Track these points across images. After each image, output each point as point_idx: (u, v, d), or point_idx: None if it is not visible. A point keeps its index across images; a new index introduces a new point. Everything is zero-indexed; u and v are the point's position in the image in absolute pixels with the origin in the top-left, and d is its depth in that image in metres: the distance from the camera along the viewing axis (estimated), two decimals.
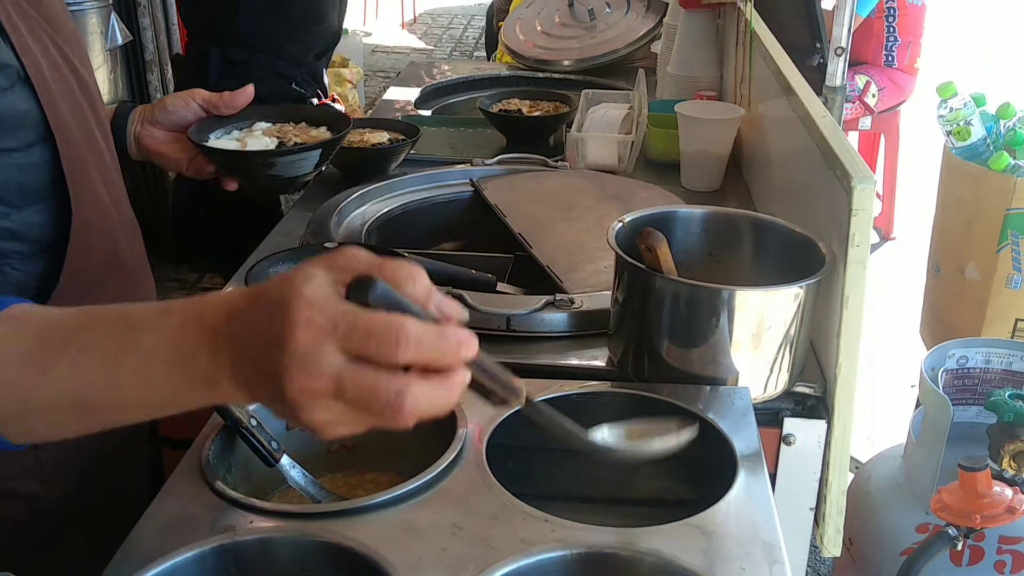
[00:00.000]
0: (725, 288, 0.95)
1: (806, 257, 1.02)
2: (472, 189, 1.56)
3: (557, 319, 1.14)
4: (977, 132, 1.84)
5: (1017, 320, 1.82)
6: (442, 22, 7.99)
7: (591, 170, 1.65)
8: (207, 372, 0.58)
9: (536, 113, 1.85)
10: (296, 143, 1.25)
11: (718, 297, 0.95)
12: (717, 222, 1.08)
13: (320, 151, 1.22)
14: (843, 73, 1.98)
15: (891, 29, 3.58)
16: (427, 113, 2.12)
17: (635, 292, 1.00)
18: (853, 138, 4.24)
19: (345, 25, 6.70)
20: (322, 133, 1.29)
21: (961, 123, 1.83)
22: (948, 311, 1.97)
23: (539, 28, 2.43)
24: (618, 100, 1.89)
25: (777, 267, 1.04)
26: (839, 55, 1.96)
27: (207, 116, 1.18)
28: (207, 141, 1.18)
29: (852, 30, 1.96)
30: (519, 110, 1.86)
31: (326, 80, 2.57)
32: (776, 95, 1.43)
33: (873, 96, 3.58)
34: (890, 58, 3.63)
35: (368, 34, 7.49)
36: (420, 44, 7.37)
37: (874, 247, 3.92)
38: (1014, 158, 1.85)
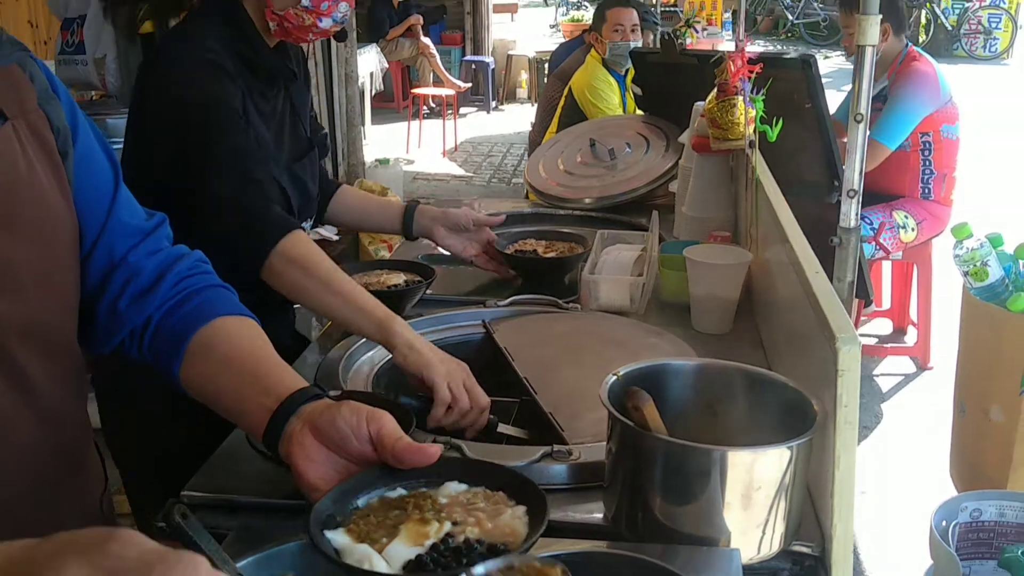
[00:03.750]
0: (710, 448, 0.94)
1: (800, 413, 1.01)
2: (484, 331, 1.59)
3: (556, 471, 1.14)
4: (995, 273, 1.84)
5: None
6: (482, 150, 8.24)
7: (603, 312, 1.67)
8: None
9: (551, 254, 1.89)
10: None
11: (704, 456, 0.95)
12: (710, 375, 1.09)
13: None
14: (856, 214, 2.00)
15: (927, 162, 3.62)
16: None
17: (625, 448, 1.01)
18: (887, 268, 4.26)
19: (387, 155, 6.96)
20: None
21: (978, 264, 1.83)
22: (974, 453, 1.92)
23: (561, 167, 2.50)
24: (634, 240, 1.93)
25: (772, 423, 1.04)
26: (851, 197, 1.99)
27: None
28: None
29: (864, 172, 2.00)
30: (534, 251, 1.90)
31: None
32: (777, 242, 1.45)
33: (912, 231, 3.60)
34: (927, 191, 3.66)
35: (411, 162, 7.75)
36: (460, 171, 7.59)
37: (910, 377, 3.87)
38: None
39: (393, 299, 1.65)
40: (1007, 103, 9.55)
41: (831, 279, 2.06)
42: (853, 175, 1.96)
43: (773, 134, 1.55)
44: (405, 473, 0.90)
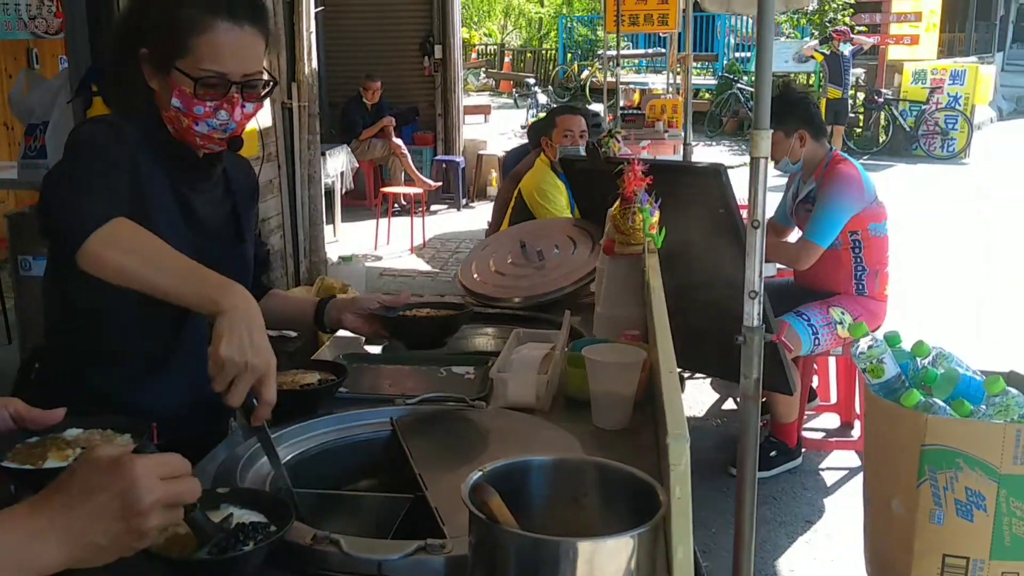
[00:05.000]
0: (556, 540, 1.00)
1: (650, 503, 1.08)
2: (392, 429, 1.65)
3: (429, 564, 1.19)
4: (890, 370, 1.93)
5: (945, 556, 1.83)
6: (450, 246, 8.39)
7: (509, 409, 1.74)
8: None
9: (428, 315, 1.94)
10: None
11: (550, 547, 1.00)
12: (567, 469, 1.16)
13: None
14: (758, 314, 2.10)
15: (858, 259, 3.76)
16: (377, 349, 2.24)
17: (479, 541, 1.06)
18: (833, 364, 4.36)
19: (357, 251, 7.06)
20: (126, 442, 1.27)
21: (874, 361, 1.92)
22: (881, 545, 1.98)
23: (493, 268, 2.60)
24: (553, 339, 2.01)
25: (626, 512, 1.10)
26: (752, 298, 2.09)
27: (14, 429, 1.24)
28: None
29: (763, 275, 2.11)
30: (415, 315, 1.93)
31: None
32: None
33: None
34: (861, 287, 3.78)
35: (378, 258, 7.88)
36: (427, 267, 7.70)
37: (855, 471, 3.91)
38: (930, 395, 1.92)
39: (306, 398, 1.72)
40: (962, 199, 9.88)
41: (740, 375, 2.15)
42: (753, 276, 2.07)
43: (659, 241, 1.65)
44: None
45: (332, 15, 10.02)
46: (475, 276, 2.59)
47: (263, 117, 5.03)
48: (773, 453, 3.83)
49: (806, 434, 4.01)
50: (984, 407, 1.90)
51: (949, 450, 1.83)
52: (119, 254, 1.37)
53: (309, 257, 5.43)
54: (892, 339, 1.99)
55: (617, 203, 1.92)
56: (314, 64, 5.34)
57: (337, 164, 8.13)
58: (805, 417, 4.03)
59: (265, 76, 1.62)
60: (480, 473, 1.13)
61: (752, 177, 2.03)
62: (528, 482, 1.15)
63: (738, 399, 4.16)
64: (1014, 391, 1.93)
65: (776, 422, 3.86)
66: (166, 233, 1.50)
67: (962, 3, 19.31)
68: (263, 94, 1.63)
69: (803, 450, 3.90)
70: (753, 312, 2.07)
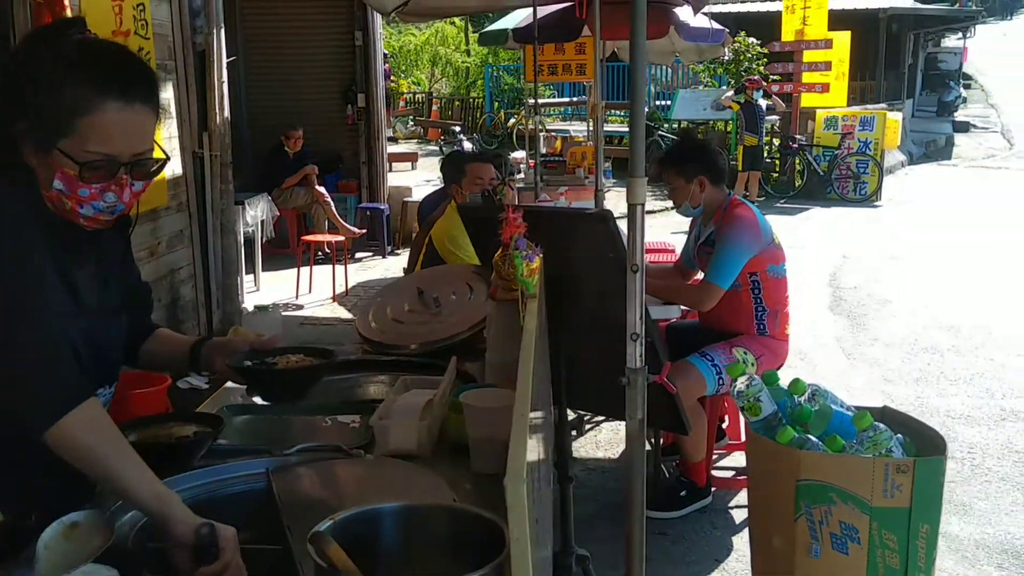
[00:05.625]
0: None
1: (501, 546, 1.09)
2: (267, 480, 1.64)
3: None
4: (767, 408, 1.99)
5: None
6: (373, 294, 8.35)
7: (390, 456, 1.74)
8: None
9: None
10: None
11: None
12: (418, 515, 1.17)
13: None
14: (640, 355, 2.15)
15: (758, 300, 3.85)
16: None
17: None
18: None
19: (273, 300, 6.99)
20: None
21: (751, 400, 1.97)
22: None
23: (390, 315, 2.61)
24: (438, 386, 2.01)
25: (476, 556, 1.12)
26: (634, 340, 2.14)
27: None
28: None
29: (644, 317, 2.16)
30: (274, 362, 1.85)
31: None
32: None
33: (752, 365, 3.78)
34: (762, 327, 3.87)
35: (299, 307, 7.81)
36: (348, 315, 7.65)
37: None
38: (805, 432, 1.98)
39: (180, 451, 1.69)
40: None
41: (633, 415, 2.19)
42: (634, 319, 2.12)
43: (531, 286, 1.69)
44: None
45: (255, 64, 10.04)
46: (372, 324, 2.60)
47: (173, 166, 4.99)
48: (683, 493, 3.88)
49: (716, 473, 4.07)
50: (856, 442, 1.96)
51: (823, 485, 1.89)
52: (93, 441, 1.36)
53: (223, 307, 5.36)
54: (770, 378, 2.05)
55: (500, 249, 1.96)
56: (226, 113, 5.32)
57: (257, 213, 8.07)
58: (714, 456, 4.09)
59: (155, 153, 1.53)
60: (330, 522, 1.13)
61: (630, 223, 2.09)
62: (381, 529, 1.16)
63: (653, 439, 4.23)
64: (882, 426, 2.00)
65: (685, 462, 3.91)
66: (59, 320, 1.45)
67: (872, 53, 20.15)
68: (153, 171, 1.54)
69: (713, 489, 3.96)
70: (635, 354, 2.12)
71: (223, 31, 5.32)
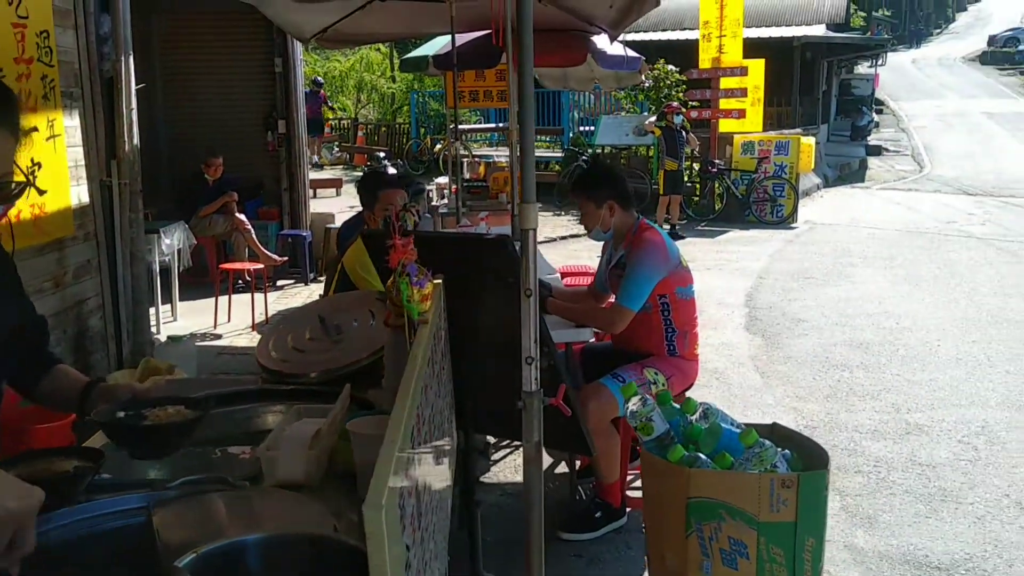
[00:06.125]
0: None
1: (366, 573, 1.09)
2: (148, 515, 1.61)
3: None
4: (659, 427, 2.02)
5: None
6: (274, 322, 8.26)
7: (279, 487, 1.72)
8: None
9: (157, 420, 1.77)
10: None
11: None
12: (283, 545, 1.16)
13: None
14: (536, 379, 2.17)
15: (668, 321, 3.91)
16: None
17: None
18: None
19: (191, 330, 6.85)
20: None
21: (643, 420, 2.01)
22: None
23: (291, 344, 2.58)
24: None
25: None
26: (529, 363, 2.16)
27: None
28: None
29: (540, 340, 2.18)
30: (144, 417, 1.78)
31: None
32: None
33: (663, 386, 3.83)
34: (672, 348, 3.94)
35: (217, 337, 7.67)
36: None
37: None
38: (698, 450, 2.02)
39: (59, 486, 1.65)
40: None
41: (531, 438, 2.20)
42: (529, 343, 2.15)
43: (416, 312, 1.70)
44: None
45: (174, 91, 9.89)
46: (272, 354, 2.57)
47: (80, 195, 4.88)
48: (598, 514, 3.90)
49: (631, 493, 4.11)
50: (744, 459, 2.01)
51: (712, 502, 1.93)
52: None
53: (133, 338, 5.24)
54: (663, 397, 2.09)
55: (392, 276, 1.97)
56: (136, 140, 5.22)
57: (173, 241, 7.92)
58: (629, 476, 4.13)
59: (16, 176, 1.50)
60: (192, 556, 1.12)
61: (523, 248, 2.12)
62: (245, 562, 1.15)
63: (578, 461, 4.25)
64: (768, 442, 2.05)
65: (600, 483, 3.94)
66: None
67: (787, 80, 20.78)
68: (14, 194, 1.52)
69: (628, 509, 3.99)
70: (530, 377, 2.14)
71: (132, 58, 5.23)
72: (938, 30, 63.69)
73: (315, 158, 19.29)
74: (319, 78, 21.19)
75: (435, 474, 1.76)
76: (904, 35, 57.23)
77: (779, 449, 2.11)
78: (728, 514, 1.93)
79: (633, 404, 2.02)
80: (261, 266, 8.46)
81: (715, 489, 1.94)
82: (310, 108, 19.18)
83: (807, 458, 2.21)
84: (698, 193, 14.38)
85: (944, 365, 6.37)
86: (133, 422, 1.74)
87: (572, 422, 2.59)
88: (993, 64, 46.65)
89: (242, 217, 9.21)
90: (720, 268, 9.99)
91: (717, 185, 14.20)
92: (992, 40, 50.14)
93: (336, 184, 15.80)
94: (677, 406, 2.13)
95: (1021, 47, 45.34)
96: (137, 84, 5.30)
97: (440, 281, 2.25)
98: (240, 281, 8.81)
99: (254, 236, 9.20)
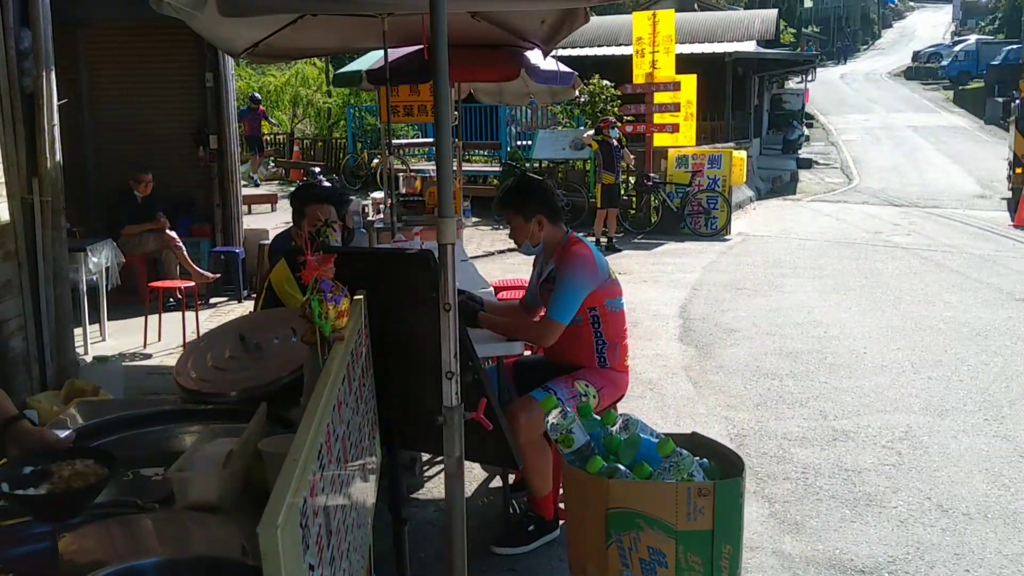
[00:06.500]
0: None
1: None
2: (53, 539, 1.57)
3: None
4: (579, 439, 2.04)
5: None
6: (192, 342, 8.13)
7: (192, 509, 1.69)
8: None
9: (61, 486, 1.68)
10: None
11: None
12: (177, 569, 1.14)
13: None
14: (456, 393, 2.17)
15: (599, 334, 3.94)
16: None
17: None
18: None
19: (121, 350, 6.70)
20: None
21: (564, 432, 2.02)
22: None
23: (210, 363, 2.55)
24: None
25: None
26: (449, 378, 2.17)
27: None
28: None
29: (460, 355, 2.18)
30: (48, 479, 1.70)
31: None
32: None
33: (594, 398, 3.85)
34: (602, 360, 3.97)
35: (147, 356, 7.51)
36: None
37: None
38: (618, 461, 2.04)
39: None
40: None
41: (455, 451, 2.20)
42: (449, 357, 2.15)
43: (327, 328, 1.69)
44: None
45: (102, 107, 9.68)
46: (192, 374, 2.53)
47: (0, 213, 4.74)
48: (531, 527, 3.91)
49: (563, 505, 4.12)
50: (662, 469, 2.04)
51: (631, 512, 1.95)
52: None
53: (57, 360, 5.10)
54: (583, 410, 2.11)
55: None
56: (58, 157, 5.10)
57: (101, 260, 7.74)
58: (561, 489, 4.14)
59: None
60: None
61: (440, 262, 2.12)
62: None
63: (512, 475, 4.25)
64: (685, 452, 2.09)
65: (533, 496, 3.94)
66: None
67: (719, 94, 21.17)
68: None
69: (561, 522, 4.00)
70: (451, 392, 2.14)
71: (53, 73, 5.12)
72: (865, 46, 65.64)
73: (255, 176, 19.06)
74: (256, 94, 20.93)
75: (351, 492, 1.75)
76: (832, 51, 58.87)
77: (696, 458, 2.14)
78: (647, 524, 1.96)
79: (553, 417, 2.03)
80: (192, 284, 8.32)
81: (634, 499, 1.96)
82: (249, 125, 18.98)
83: (725, 466, 2.25)
84: (634, 206, 14.55)
85: (870, 372, 6.53)
86: (35, 484, 1.68)
87: (499, 436, 2.60)
88: (917, 79, 48.29)
89: (173, 234, 9.05)
90: (656, 280, 10.12)
91: (653, 198, 14.39)
92: (916, 56, 51.94)
93: (271, 200, 15.64)
94: (598, 418, 2.15)
95: (943, 62, 46.97)
96: (60, 99, 5.18)
97: (360, 297, 2.25)
98: (171, 299, 8.65)
99: (185, 253, 9.05)
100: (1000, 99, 31.27)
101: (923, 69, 49.19)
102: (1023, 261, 11.60)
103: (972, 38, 49.24)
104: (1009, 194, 17.57)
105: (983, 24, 57.45)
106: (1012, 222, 15.38)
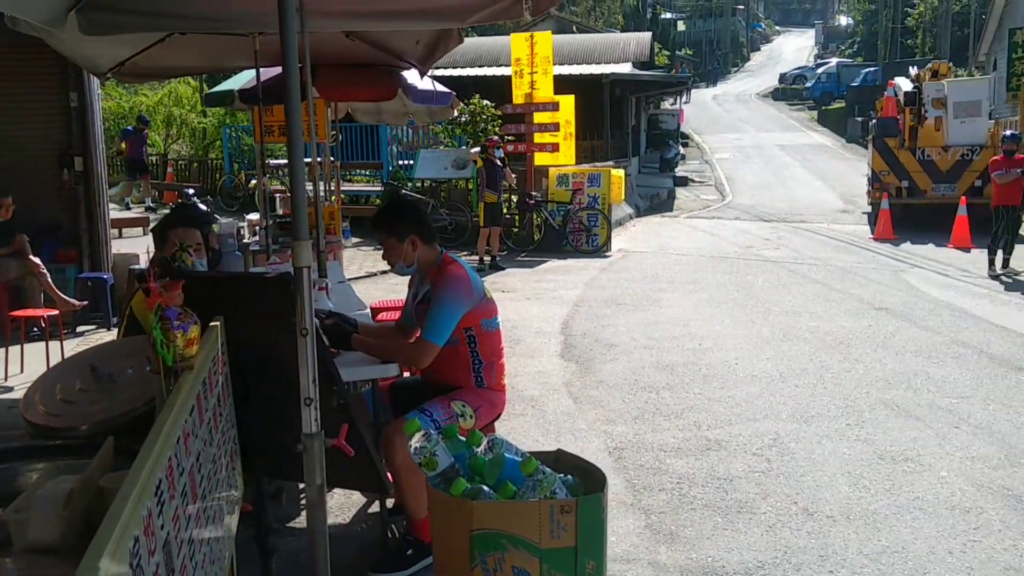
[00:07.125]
0: None
1: None
2: None
3: None
4: (443, 461, 2.03)
5: None
6: (41, 374, 7.77)
7: (27, 551, 1.61)
8: None
9: None
10: None
11: None
12: None
13: None
14: (316, 420, 2.13)
15: (475, 354, 3.95)
16: None
17: None
18: None
19: None
20: None
21: (427, 455, 2.01)
22: None
23: (59, 396, 2.43)
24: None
25: None
26: (308, 404, 2.12)
27: None
28: None
29: (315, 380, 2.15)
30: None
31: None
32: None
33: (471, 417, 3.85)
34: (479, 379, 3.97)
35: (9, 389, 7.11)
36: None
37: None
38: (483, 481, 2.04)
39: None
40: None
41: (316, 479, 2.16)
42: (307, 383, 2.11)
43: (169, 358, 1.64)
44: None
45: None
46: (40, 408, 2.40)
47: None
48: (409, 551, 3.86)
49: None
50: (526, 488, 2.05)
51: (495, 533, 1.95)
52: None
53: None
54: (448, 431, 2.11)
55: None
56: None
57: None
58: None
59: None
60: None
61: (296, 286, 2.09)
62: None
63: (391, 500, 4.19)
64: (548, 469, 2.11)
65: (410, 519, 3.90)
66: None
67: (598, 114, 21.66)
68: None
69: None
70: (310, 419, 2.11)
71: None
72: (736, 68, 68.44)
73: (147, 200, 18.35)
74: (144, 115, 20.17)
75: (203, 527, 1.69)
76: (705, 73, 61.12)
77: (560, 475, 2.17)
78: (511, 543, 1.96)
79: (416, 440, 2.02)
80: (57, 312, 7.93)
81: (498, 519, 1.96)
82: (132, 147, 18.26)
83: (589, 482, 2.28)
84: (517, 225, 14.71)
85: (741, 382, 6.76)
86: None
87: (365, 461, 2.56)
88: (784, 100, 50.69)
89: (36, 260, 8.61)
90: (539, 297, 10.23)
91: (535, 216, 14.58)
92: (783, 78, 54.54)
93: (142, 223, 15.10)
94: (463, 439, 2.15)
95: (808, 84, 49.41)
96: None
97: (216, 324, 2.19)
98: (35, 328, 8.23)
99: (50, 280, 8.62)
100: (860, 119, 33.18)
101: (789, 90, 51.66)
102: (882, 272, 12.26)
103: (833, 61, 52.08)
104: (869, 209, 18.56)
105: (843, 48, 60.81)
106: (872, 235, 16.25)
